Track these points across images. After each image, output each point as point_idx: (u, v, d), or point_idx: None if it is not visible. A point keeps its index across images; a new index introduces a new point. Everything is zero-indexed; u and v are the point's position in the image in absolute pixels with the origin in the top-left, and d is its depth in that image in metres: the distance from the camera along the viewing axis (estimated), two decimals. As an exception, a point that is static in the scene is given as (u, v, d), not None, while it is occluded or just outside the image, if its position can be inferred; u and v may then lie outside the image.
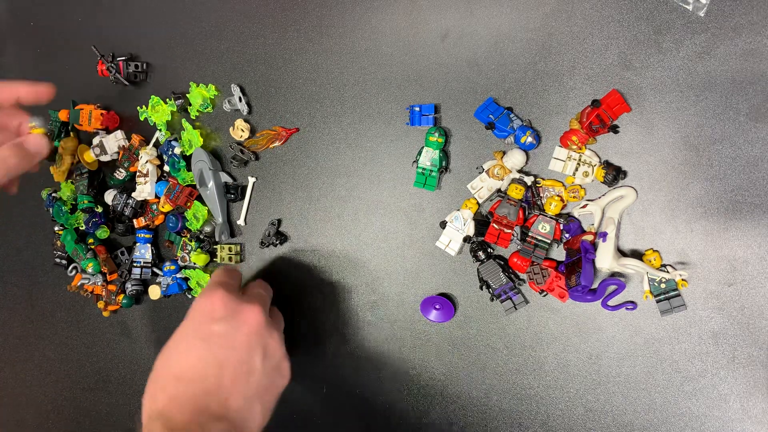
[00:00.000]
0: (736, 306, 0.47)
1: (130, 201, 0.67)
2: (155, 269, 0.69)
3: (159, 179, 0.67)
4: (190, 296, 0.67)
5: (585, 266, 0.47)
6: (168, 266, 0.67)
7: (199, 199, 0.65)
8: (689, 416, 0.48)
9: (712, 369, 0.47)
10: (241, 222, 0.64)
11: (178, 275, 0.67)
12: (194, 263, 0.65)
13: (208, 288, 0.53)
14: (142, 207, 0.68)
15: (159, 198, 0.66)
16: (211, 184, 0.62)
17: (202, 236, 0.65)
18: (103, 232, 0.71)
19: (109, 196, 0.69)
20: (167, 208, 0.66)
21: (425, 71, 0.55)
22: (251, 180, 0.63)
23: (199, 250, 0.65)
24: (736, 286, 0.47)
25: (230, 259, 0.64)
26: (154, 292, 0.69)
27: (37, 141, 0.61)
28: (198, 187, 0.63)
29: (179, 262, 0.67)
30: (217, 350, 0.49)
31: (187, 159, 0.65)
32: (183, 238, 0.66)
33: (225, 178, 0.63)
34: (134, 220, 0.69)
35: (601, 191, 0.50)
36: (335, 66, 0.59)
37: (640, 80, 0.48)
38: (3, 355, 0.83)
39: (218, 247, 0.64)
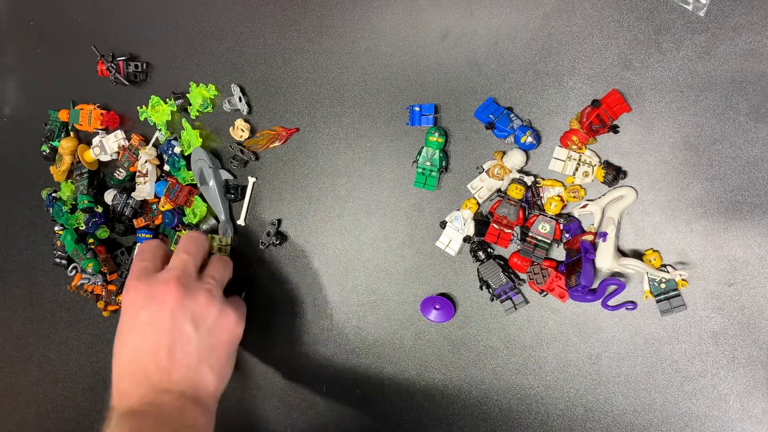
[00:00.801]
0: (736, 306, 0.47)
1: (130, 201, 0.67)
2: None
3: (159, 179, 0.67)
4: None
5: (585, 266, 0.47)
6: None
7: (200, 197, 0.65)
8: (689, 416, 0.48)
9: (712, 369, 0.47)
10: (241, 222, 0.64)
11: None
12: None
13: (127, 281, 0.55)
14: (142, 207, 0.68)
15: (159, 198, 0.66)
16: (212, 182, 0.62)
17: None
18: (103, 232, 0.71)
19: (108, 196, 0.69)
20: (167, 207, 0.66)
21: (425, 71, 0.55)
22: (251, 180, 0.63)
23: None
24: (736, 286, 0.47)
25: (219, 249, 0.64)
26: None
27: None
28: (199, 185, 0.63)
29: None
30: (147, 337, 0.52)
31: (187, 158, 0.65)
32: (177, 233, 0.66)
33: (225, 175, 0.63)
34: (134, 220, 0.69)
35: (601, 191, 0.50)
36: (335, 66, 0.59)
37: (640, 80, 0.48)
38: (3, 355, 0.83)
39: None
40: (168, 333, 0.51)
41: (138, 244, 0.63)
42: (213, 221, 0.65)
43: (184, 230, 0.65)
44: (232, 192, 0.63)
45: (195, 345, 0.52)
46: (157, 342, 0.51)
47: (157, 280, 0.54)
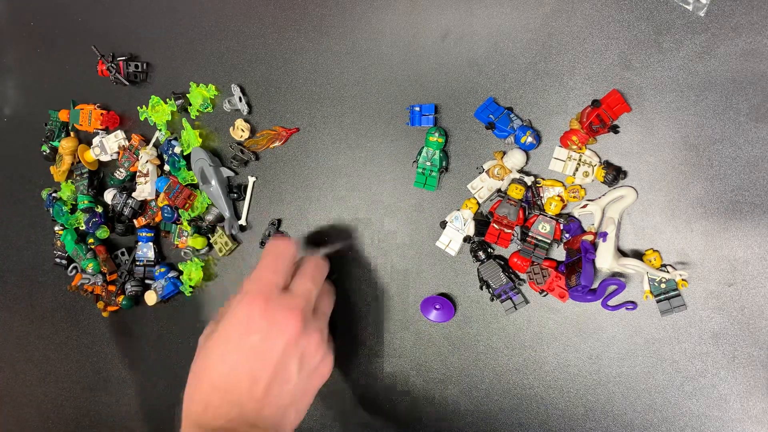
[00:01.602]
0: (736, 306, 0.47)
1: (130, 201, 0.67)
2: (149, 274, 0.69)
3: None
4: (187, 294, 0.67)
5: (585, 266, 0.47)
6: (158, 269, 0.67)
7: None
8: (689, 416, 0.48)
9: (712, 369, 0.47)
10: (242, 222, 0.64)
11: (171, 275, 0.67)
12: (192, 247, 0.65)
13: (251, 290, 0.50)
14: (142, 207, 0.68)
15: (159, 194, 0.66)
16: (214, 181, 0.62)
17: (206, 225, 0.65)
18: (103, 232, 0.71)
19: (108, 195, 0.69)
20: (165, 203, 0.66)
21: (425, 71, 0.55)
22: (251, 180, 0.63)
23: (196, 234, 0.64)
24: (736, 286, 0.47)
25: (219, 250, 0.64)
26: (151, 298, 0.68)
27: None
28: (201, 185, 0.63)
29: (179, 246, 0.67)
30: (253, 362, 0.48)
31: (187, 158, 0.65)
32: (179, 226, 0.66)
33: (227, 172, 0.63)
34: (134, 220, 0.69)
35: (601, 191, 0.50)
36: (335, 66, 0.59)
37: (640, 80, 0.48)
38: (3, 355, 0.83)
39: (217, 234, 0.64)
40: (274, 366, 0.48)
41: (273, 240, 0.55)
42: (216, 210, 0.64)
43: (186, 224, 0.65)
44: (235, 191, 0.63)
45: (292, 386, 0.49)
46: (261, 370, 0.48)
47: (281, 305, 0.49)
